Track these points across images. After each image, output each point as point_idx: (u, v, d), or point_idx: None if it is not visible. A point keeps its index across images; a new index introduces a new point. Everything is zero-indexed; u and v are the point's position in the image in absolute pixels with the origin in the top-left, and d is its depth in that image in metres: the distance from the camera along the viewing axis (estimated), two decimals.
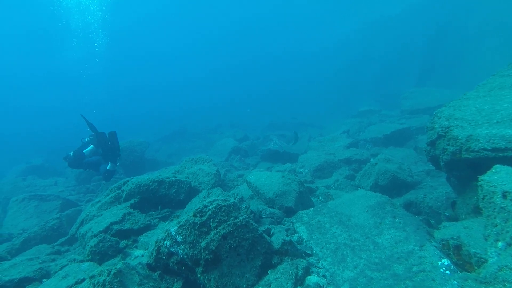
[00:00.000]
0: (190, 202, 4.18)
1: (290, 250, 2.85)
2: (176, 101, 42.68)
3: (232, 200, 3.26)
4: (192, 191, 5.02)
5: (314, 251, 3.10)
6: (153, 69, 52.38)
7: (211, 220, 2.99)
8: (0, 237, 4.65)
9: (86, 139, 7.68)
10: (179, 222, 2.92)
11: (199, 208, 3.03)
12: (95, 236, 3.16)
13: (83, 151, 7.18)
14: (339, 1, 35.84)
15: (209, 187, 5.49)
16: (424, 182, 4.95)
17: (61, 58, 41.80)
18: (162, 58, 52.25)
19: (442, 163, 3.42)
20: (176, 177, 4.98)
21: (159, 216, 4.09)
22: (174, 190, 4.61)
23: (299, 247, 3.12)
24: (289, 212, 4.28)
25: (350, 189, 5.37)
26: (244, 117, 23.26)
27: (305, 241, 3.31)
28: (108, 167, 7.01)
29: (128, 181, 4.54)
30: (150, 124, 26.92)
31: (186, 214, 3.80)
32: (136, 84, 50.94)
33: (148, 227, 3.63)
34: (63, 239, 4.22)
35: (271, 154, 9.26)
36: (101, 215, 3.81)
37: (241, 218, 3.12)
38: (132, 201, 4.17)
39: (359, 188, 5.40)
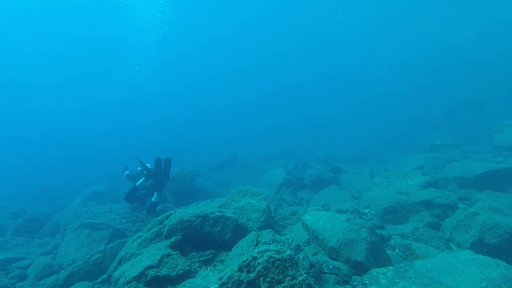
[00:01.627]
0: (236, 246, 3.56)
1: None
2: (228, 127, 44.16)
3: (288, 252, 2.54)
4: (239, 230, 4.41)
5: None
6: (205, 95, 55.54)
7: (261, 278, 2.30)
8: (50, 269, 4.62)
9: (139, 168, 7.92)
10: (220, 279, 2.29)
11: (246, 260, 2.37)
12: (128, 283, 2.71)
13: (136, 184, 7.32)
14: (405, 20, 34.02)
15: (258, 225, 4.83)
16: None
17: (119, 82, 47.31)
18: (215, 84, 55.26)
19: None
20: (222, 212, 4.47)
21: (200, 259, 3.54)
22: (219, 228, 4.06)
23: None
24: (359, 268, 3.34)
25: (437, 242, 4.13)
26: (296, 146, 22.53)
27: None
28: (152, 199, 6.99)
29: (171, 215, 4.17)
30: (202, 151, 27.90)
31: (231, 263, 3.17)
32: (188, 110, 54.32)
33: (187, 274, 3.08)
34: (104, 276, 3.95)
35: (313, 181, 8.89)
36: (140, 253, 3.42)
37: (300, 279, 2.37)
38: (173, 238, 3.73)
39: (450, 243, 4.14)
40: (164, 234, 3.86)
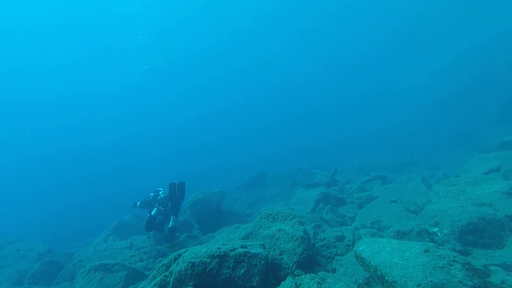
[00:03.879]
0: None
1: None
2: (255, 146, 43.40)
3: None
4: (271, 270, 3.34)
5: None
6: (231, 115, 55.60)
7: None
8: None
9: (151, 194, 7.35)
10: None
11: None
12: None
13: (151, 213, 6.92)
14: (448, 16, 31.63)
15: (295, 260, 3.73)
16: None
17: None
18: (242, 104, 55.34)
19: None
20: (246, 247, 3.45)
21: None
22: (242, 271, 3.03)
23: None
24: None
25: None
26: (328, 158, 20.98)
27: None
28: (170, 225, 6.57)
29: (180, 256, 3.23)
30: (230, 170, 27.20)
31: None
32: (214, 129, 54.35)
33: None
34: None
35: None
36: None
37: None
38: None
39: None
40: (170, 285, 2.91)
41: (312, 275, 2.62)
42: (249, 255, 3.19)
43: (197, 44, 45.27)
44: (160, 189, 7.56)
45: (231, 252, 3.16)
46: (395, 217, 6.07)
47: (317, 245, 4.60)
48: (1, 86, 43.93)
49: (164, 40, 44.42)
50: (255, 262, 3.15)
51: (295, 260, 3.75)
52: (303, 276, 2.65)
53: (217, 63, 48.48)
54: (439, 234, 4.34)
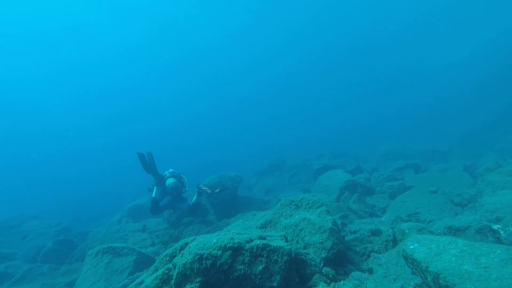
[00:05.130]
0: None
1: None
2: (275, 132, 42.49)
3: None
4: (294, 267, 2.75)
5: None
6: (251, 101, 54.56)
7: None
8: None
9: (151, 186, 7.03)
10: None
11: None
12: None
13: (153, 196, 6.52)
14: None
15: (323, 255, 3.12)
16: None
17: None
18: (261, 92, 54.06)
19: None
20: (265, 238, 2.86)
21: None
22: (261, 267, 2.46)
23: None
24: None
25: None
26: (351, 146, 19.88)
27: None
28: (193, 201, 6.38)
29: (186, 245, 2.71)
30: (247, 155, 26.71)
31: None
32: (233, 115, 53.55)
33: None
34: None
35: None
36: None
37: None
38: None
39: None
40: (173, 280, 2.39)
41: (354, 282, 2.00)
42: (268, 248, 2.60)
43: (212, 34, 44.24)
44: (170, 169, 7.19)
45: (247, 244, 2.58)
46: (436, 209, 5.27)
47: (347, 238, 3.94)
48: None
49: (172, 35, 43.60)
50: (276, 257, 2.56)
51: (323, 255, 3.13)
52: (341, 283, 2.03)
53: (234, 53, 47.31)
54: (502, 232, 3.53)
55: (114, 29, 41.73)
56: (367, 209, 6.32)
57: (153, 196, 6.47)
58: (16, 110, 46.67)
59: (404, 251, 2.44)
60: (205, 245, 2.54)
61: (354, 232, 4.27)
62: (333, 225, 3.49)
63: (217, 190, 6.70)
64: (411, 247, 2.41)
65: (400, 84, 40.43)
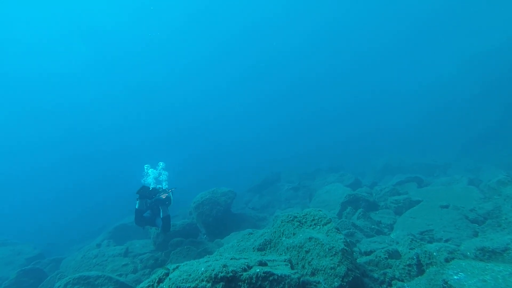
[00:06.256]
0: None
1: None
2: (268, 148, 41.82)
3: None
4: None
5: None
6: (245, 115, 53.93)
7: None
8: None
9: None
10: None
11: None
12: None
13: (136, 207, 5.98)
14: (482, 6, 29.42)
15: (336, 284, 2.55)
16: None
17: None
18: (254, 105, 53.63)
19: None
20: (265, 263, 2.30)
21: None
22: None
23: None
24: None
25: None
26: (347, 159, 19.50)
27: None
28: (161, 215, 5.85)
29: (167, 275, 2.12)
30: (240, 171, 25.95)
31: None
32: (227, 129, 52.48)
33: None
34: None
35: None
36: None
37: None
38: None
39: None
40: None
41: None
42: (271, 278, 2.04)
43: (204, 45, 44.31)
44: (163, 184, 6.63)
45: (244, 273, 2.02)
46: (451, 226, 4.77)
47: (358, 260, 3.39)
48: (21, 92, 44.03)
49: (171, 40, 43.55)
50: None
51: (336, 284, 2.57)
52: None
53: (227, 64, 47.37)
54: None
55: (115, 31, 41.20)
56: (373, 226, 5.79)
57: (136, 207, 5.92)
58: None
59: (446, 283, 1.91)
60: (190, 275, 1.96)
61: (366, 253, 3.72)
62: (345, 245, 2.95)
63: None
64: (455, 277, 1.89)
65: (394, 98, 41.00)
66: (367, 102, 44.19)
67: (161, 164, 6.95)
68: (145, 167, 7.15)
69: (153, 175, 7.11)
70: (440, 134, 22.01)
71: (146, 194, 5.94)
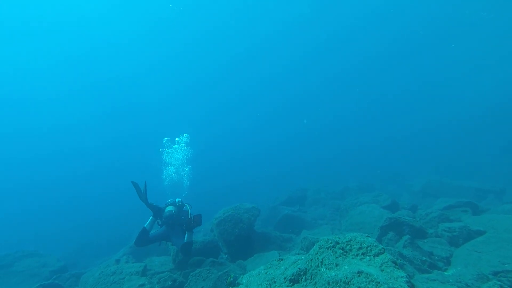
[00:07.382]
0: None
1: None
2: (293, 158, 40.41)
3: None
4: None
5: None
6: (266, 123, 52.54)
7: None
8: None
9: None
10: None
11: None
12: None
13: (144, 225, 5.56)
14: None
15: None
16: None
17: None
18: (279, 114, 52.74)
19: None
20: None
21: None
22: None
23: None
24: None
25: None
26: (378, 178, 18.10)
27: None
28: (185, 240, 5.34)
29: None
30: (262, 188, 25.08)
31: None
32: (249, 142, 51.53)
33: None
34: None
35: None
36: None
37: None
38: None
39: None
40: None
41: None
42: None
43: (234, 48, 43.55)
44: (178, 199, 6.13)
45: None
46: None
47: None
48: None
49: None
50: None
51: None
52: None
53: (248, 72, 46.74)
54: None
55: (106, 24, 39.16)
56: (424, 258, 4.84)
57: (145, 225, 5.50)
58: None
59: None
60: None
61: None
62: (409, 287, 2.23)
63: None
64: None
65: (427, 118, 38.52)
66: (396, 118, 41.94)
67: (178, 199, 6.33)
68: (164, 140, 6.82)
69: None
70: (487, 155, 19.91)
71: (173, 220, 5.56)
